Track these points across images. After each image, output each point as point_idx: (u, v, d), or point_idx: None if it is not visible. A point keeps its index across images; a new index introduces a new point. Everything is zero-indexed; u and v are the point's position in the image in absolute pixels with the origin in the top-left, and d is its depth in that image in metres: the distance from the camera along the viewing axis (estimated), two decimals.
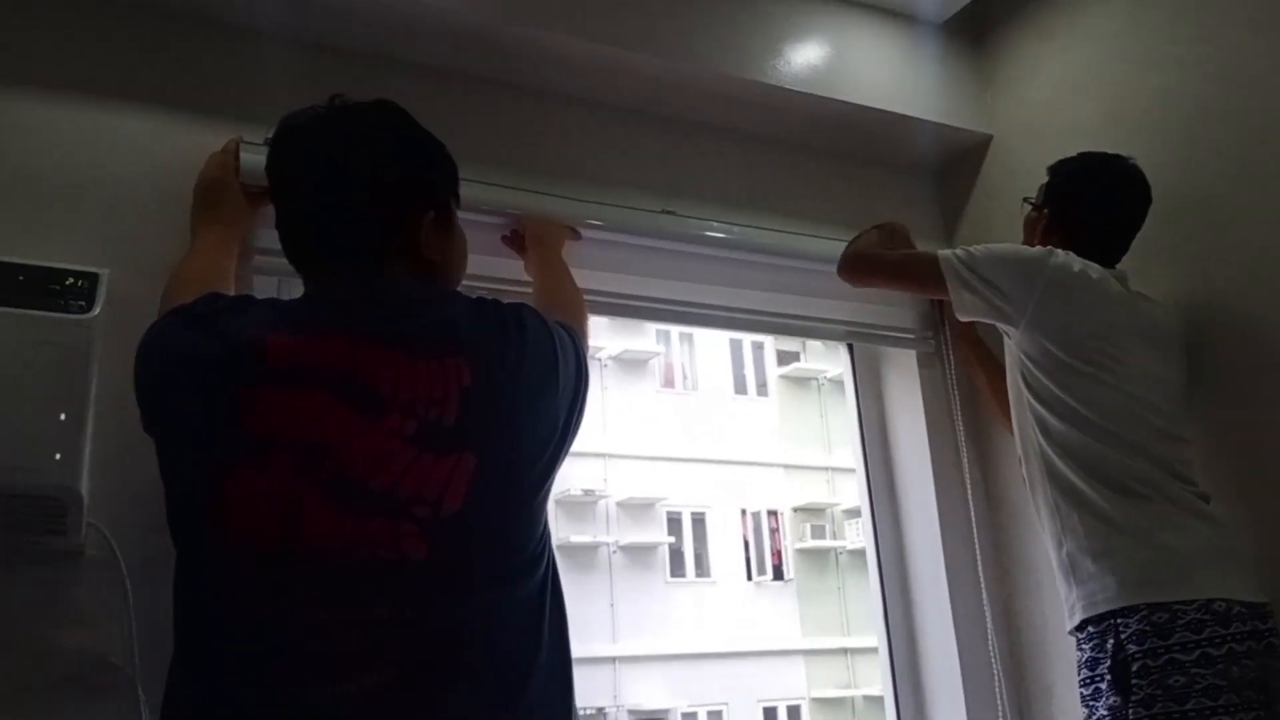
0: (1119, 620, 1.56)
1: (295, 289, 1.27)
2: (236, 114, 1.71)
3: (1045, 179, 1.97)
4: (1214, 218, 1.88)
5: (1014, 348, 1.81)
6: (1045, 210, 1.92)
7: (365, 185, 1.20)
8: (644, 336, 14.97)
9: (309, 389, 1.06)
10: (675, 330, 14.50)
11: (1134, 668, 1.52)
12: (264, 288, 1.66)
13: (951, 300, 1.84)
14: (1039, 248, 1.81)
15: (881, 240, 2.06)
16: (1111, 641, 1.56)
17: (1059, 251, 1.77)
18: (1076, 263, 1.76)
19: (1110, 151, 1.89)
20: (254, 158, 1.59)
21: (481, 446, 1.08)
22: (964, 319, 1.89)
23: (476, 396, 1.10)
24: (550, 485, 1.19)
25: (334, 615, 1.00)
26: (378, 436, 1.05)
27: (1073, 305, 1.74)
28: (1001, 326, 1.84)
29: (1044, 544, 1.79)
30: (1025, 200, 1.99)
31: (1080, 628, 1.65)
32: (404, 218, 1.22)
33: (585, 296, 1.89)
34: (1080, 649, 1.65)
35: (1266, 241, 1.80)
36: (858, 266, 2.03)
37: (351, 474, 1.03)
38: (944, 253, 1.85)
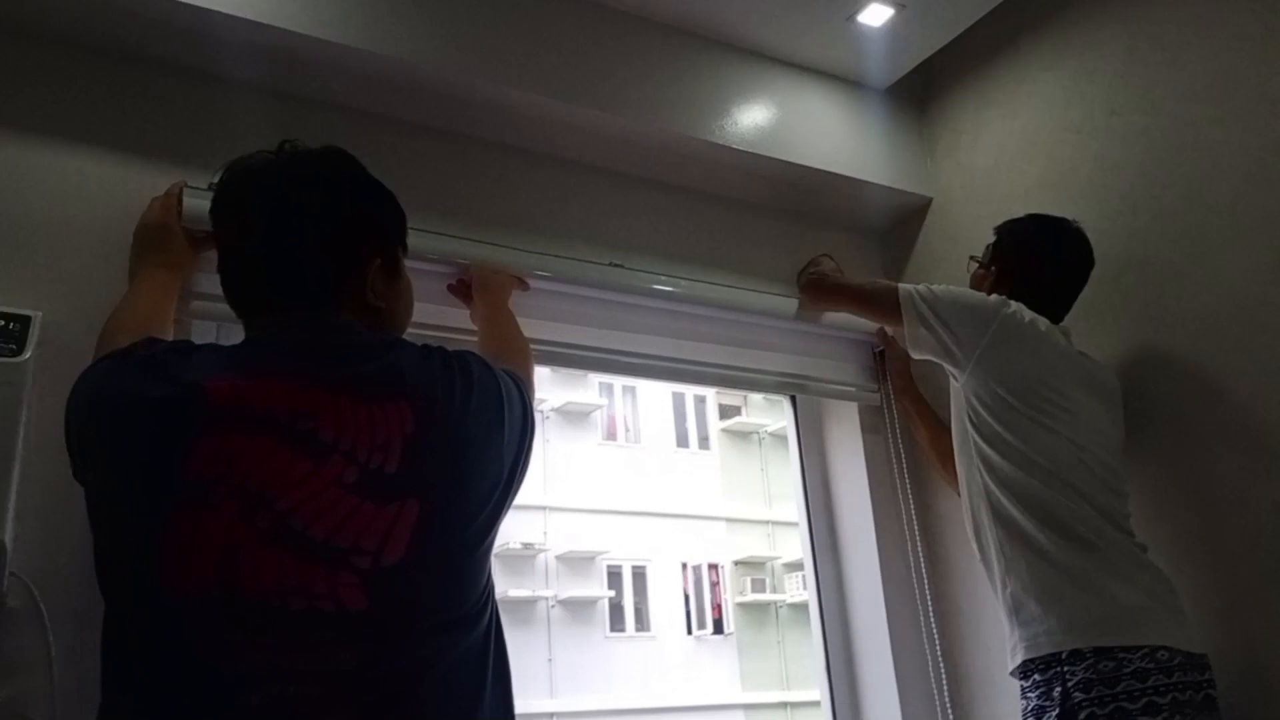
0: (1065, 669, 1.57)
1: (235, 335, 1.25)
2: (181, 158, 1.70)
3: (987, 240, 2.02)
4: (1153, 281, 1.94)
5: (960, 390, 1.84)
6: (992, 268, 1.98)
7: (312, 230, 1.19)
8: (587, 389, 14.97)
9: (251, 433, 1.04)
10: (619, 383, 14.53)
11: (1081, 715, 1.52)
12: (203, 333, 1.63)
13: (905, 334, 1.89)
14: (995, 296, 1.85)
15: (836, 268, 2.18)
16: (1058, 689, 1.56)
17: (1012, 302, 1.82)
18: (1027, 314, 1.81)
19: (1053, 214, 1.95)
20: (198, 202, 1.57)
21: (424, 494, 1.07)
22: (915, 355, 1.92)
23: (420, 444, 1.09)
24: (495, 534, 1.17)
25: (273, 667, 0.97)
26: (318, 484, 1.03)
27: (1022, 352, 1.78)
28: (949, 368, 1.87)
29: (986, 590, 1.80)
30: (972, 258, 2.04)
31: (1025, 673, 1.65)
32: (351, 264, 1.21)
33: (535, 347, 1.90)
34: (1025, 697, 1.65)
35: (1204, 305, 1.85)
36: (823, 287, 2.17)
37: (291, 521, 1.00)
38: (905, 287, 1.90)
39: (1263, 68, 1.82)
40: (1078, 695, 1.54)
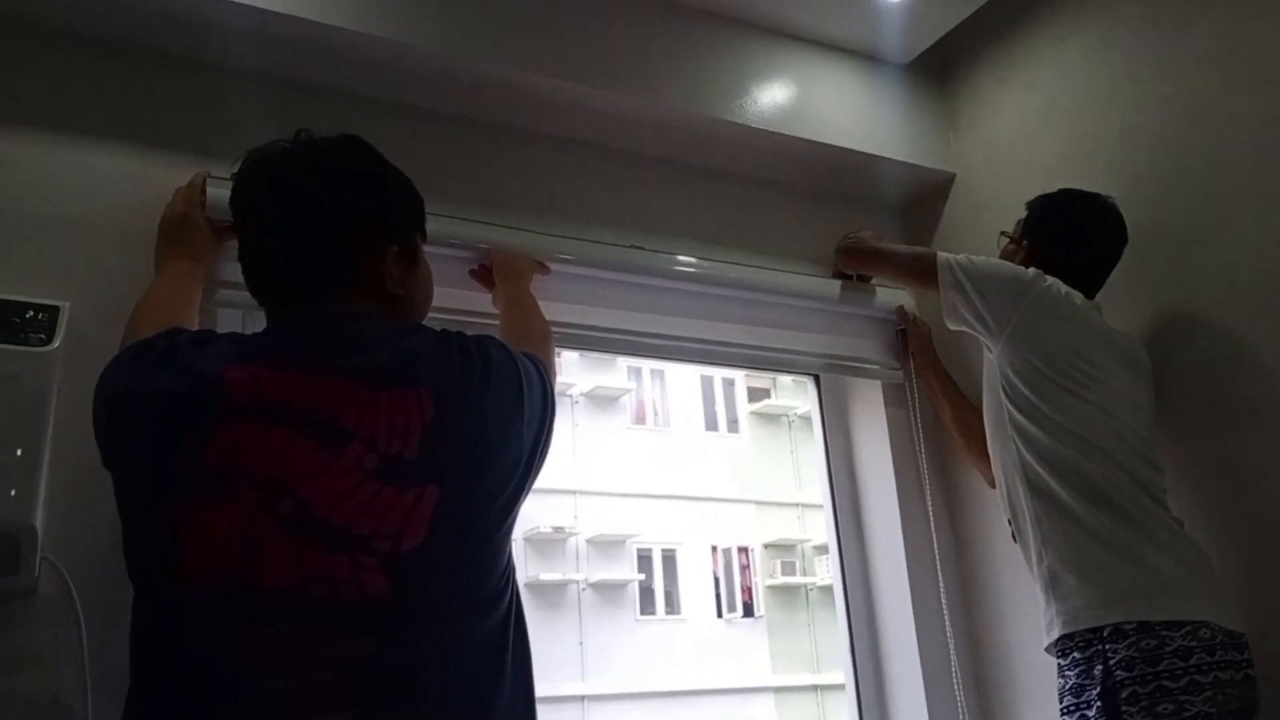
0: (1107, 646, 1.55)
1: (260, 322, 1.26)
2: (203, 149, 1.71)
3: (1012, 214, 2.00)
4: (1178, 251, 1.92)
5: (994, 361, 1.83)
6: (1024, 243, 1.96)
7: (328, 219, 1.19)
8: (615, 373, 14.98)
9: (269, 424, 1.05)
10: (646, 366, 14.52)
11: (1123, 694, 1.51)
12: (228, 321, 1.65)
13: (941, 301, 1.89)
14: (1032, 269, 1.84)
15: (876, 237, 2.20)
16: (1099, 668, 1.54)
17: (1048, 276, 1.81)
18: (1063, 287, 1.80)
19: (1085, 189, 1.92)
20: (220, 192, 1.58)
21: (444, 479, 1.08)
22: (951, 325, 1.91)
23: (439, 429, 1.09)
24: (514, 518, 1.18)
25: (294, 653, 0.99)
26: (338, 471, 1.04)
27: (1057, 324, 1.77)
28: (983, 338, 1.86)
29: (1013, 568, 1.79)
30: (1002, 233, 2.02)
31: (1062, 650, 1.63)
32: (367, 251, 1.22)
33: (555, 330, 1.90)
34: (1063, 675, 1.63)
35: (1230, 274, 1.83)
36: (861, 250, 2.18)
37: (311, 510, 1.02)
38: (944, 255, 1.90)
39: (1274, 31, 1.79)
40: (1120, 674, 1.52)
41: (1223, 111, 1.87)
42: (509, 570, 1.16)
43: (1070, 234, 1.91)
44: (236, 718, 0.98)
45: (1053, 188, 2.15)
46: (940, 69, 2.50)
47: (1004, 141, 2.31)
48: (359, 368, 1.11)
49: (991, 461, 1.86)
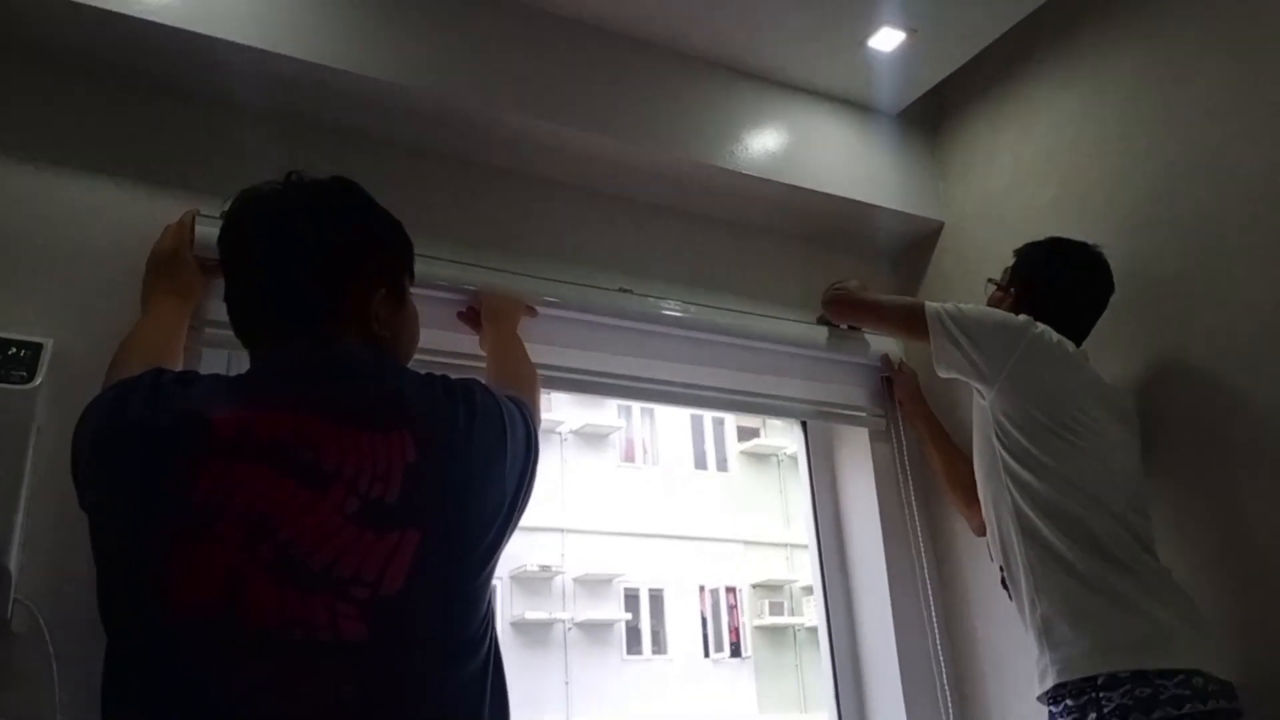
0: (1101, 694, 1.54)
1: (245, 362, 1.26)
2: (193, 185, 1.71)
3: (1001, 263, 2.01)
4: (1170, 299, 1.93)
5: (988, 408, 1.82)
6: (1011, 290, 1.97)
7: (316, 259, 1.20)
8: (605, 411, 14.96)
9: (253, 462, 1.04)
10: (637, 405, 14.50)
11: None
12: (214, 360, 1.65)
13: (933, 351, 1.89)
14: (1022, 316, 1.84)
15: (862, 287, 2.18)
16: (1093, 715, 1.54)
17: (1039, 324, 1.81)
18: (1054, 335, 1.80)
19: (1075, 239, 1.93)
20: (210, 230, 1.58)
21: (425, 523, 1.07)
22: (942, 373, 1.90)
23: (421, 472, 1.09)
24: (495, 562, 1.17)
25: (272, 697, 0.97)
26: (319, 514, 1.03)
27: (1051, 371, 1.77)
28: (976, 385, 1.86)
29: (999, 612, 1.77)
30: (990, 281, 2.03)
31: (1054, 698, 1.62)
32: (353, 293, 1.22)
33: (545, 372, 1.90)
34: None
35: (1221, 322, 1.84)
36: (848, 301, 2.16)
37: (292, 551, 1.01)
38: (932, 305, 1.90)
39: (1274, 83, 1.81)
40: None
41: (1216, 164, 1.88)
42: (489, 615, 1.15)
43: (1058, 281, 1.91)
44: None
45: (1042, 237, 2.17)
46: (931, 118, 2.52)
47: (994, 191, 2.33)
48: (344, 408, 1.10)
49: (983, 507, 1.85)
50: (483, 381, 1.27)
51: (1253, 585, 1.73)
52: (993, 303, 2.00)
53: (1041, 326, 1.81)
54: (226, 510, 1.02)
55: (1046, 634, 1.65)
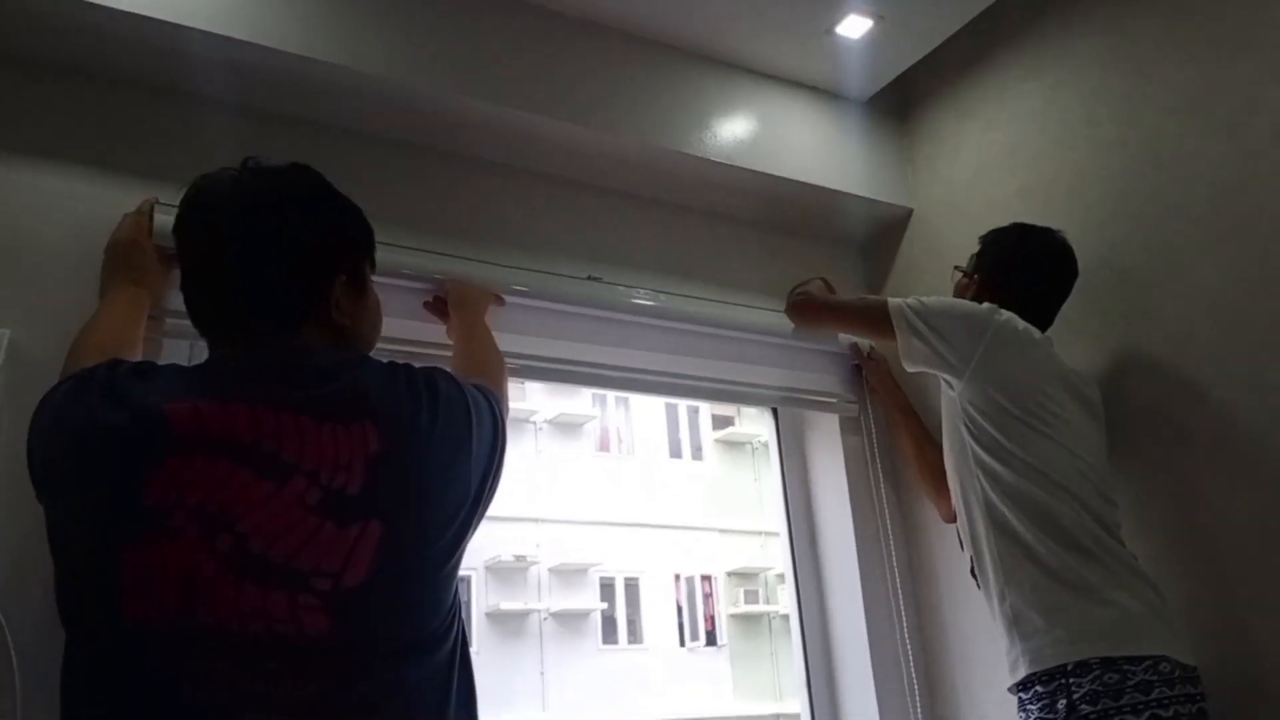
0: (1071, 680, 1.55)
1: (206, 353, 1.24)
2: (153, 174, 1.69)
3: (969, 250, 2.02)
4: (1132, 291, 1.94)
5: (957, 399, 1.82)
6: (976, 277, 1.97)
7: (275, 247, 1.18)
8: (580, 400, 14.93)
9: (211, 457, 1.03)
10: (611, 394, 14.49)
11: None
12: (175, 351, 1.62)
13: (899, 347, 1.87)
14: (986, 304, 1.84)
15: (824, 288, 2.14)
16: (1063, 702, 1.55)
17: (1003, 310, 1.81)
18: (1020, 322, 1.80)
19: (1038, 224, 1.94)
20: (169, 219, 1.56)
21: (388, 515, 1.05)
22: (910, 368, 1.89)
23: (384, 463, 1.07)
24: (461, 553, 1.16)
25: (235, 694, 0.96)
26: (279, 506, 1.02)
27: (1019, 359, 1.77)
28: (944, 377, 1.85)
29: (967, 598, 1.78)
30: (956, 268, 2.03)
31: (1025, 685, 1.63)
32: (313, 281, 1.20)
33: (511, 361, 1.89)
34: (1024, 709, 1.63)
35: (1182, 314, 1.85)
36: (811, 306, 2.11)
37: (251, 545, 1.00)
38: (895, 300, 1.88)
39: (1236, 78, 1.83)
40: (1084, 708, 1.53)
41: (1180, 156, 1.90)
42: (455, 607, 1.14)
43: (1023, 267, 1.92)
44: None
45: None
46: (899, 106, 2.53)
47: (961, 179, 2.33)
48: (304, 400, 1.09)
49: (952, 497, 1.86)
50: (448, 370, 1.26)
51: (1213, 572, 1.76)
52: (958, 289, 2.00)
53: (1006, 314, 1.81)
54: (183, 504, 1.00)
55: (1016, 625, 1.66)
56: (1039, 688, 1.60)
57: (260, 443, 1.04)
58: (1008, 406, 1.74)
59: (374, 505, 1.05)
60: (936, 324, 1.82)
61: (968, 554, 1.82)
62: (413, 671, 1.06)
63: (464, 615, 1.19)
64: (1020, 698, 1.65)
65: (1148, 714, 1.51)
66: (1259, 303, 1.74)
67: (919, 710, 2.20)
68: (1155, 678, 1.52)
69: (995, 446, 1.73)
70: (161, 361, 1.23)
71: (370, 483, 1.06)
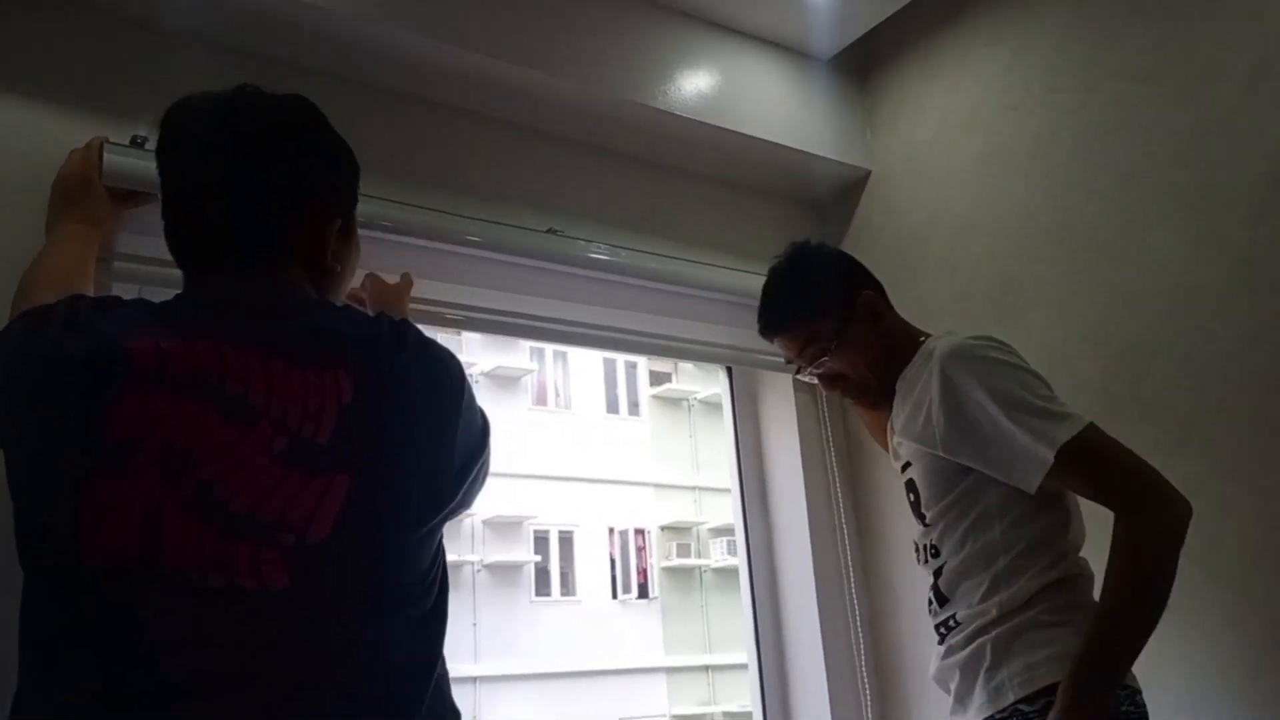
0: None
1: (157, 297, 1.18)
2: (109, 109, 1.61)
3: (929, 214, 1.98)
4: (1086, 258, 1.97)
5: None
6: (843, 335, 1.66)
7: (278, 180, 1.12)
8: (517, 354, 14.89)
9: (175, 396, 0.99)
10: (549, 348, 14.45)
11: None
12: (124, 295, 1.56)
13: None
14: (993, 348, 1.52)
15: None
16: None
17: (995, 341, 1.56)
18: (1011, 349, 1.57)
19: (807, 241, 1.79)
20: (119, 159, 1.50)
21: (356, 468, 1.01)
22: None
23: (356, 414, 1.03)
24: (440, 521, 1.11)
25: (191, 641, 0.94)
26: (244, 453, 0.98)
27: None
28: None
29: (911, 557, 1.71)
30: (798, 372, 1.80)
31: (1012, 710, 1.40)
32: (311, 221, 1.15)
33: (468, 314, 1.86)
34: None
35: (1134, 282, 1.89)
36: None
37: (214, 493, 0.96)
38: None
39: (1196, 47, 1.85)
40: None
41: (1138, 122, 1.92)
42: (435, 575, 1.11)
43: (865, 276, 1.74)
44: (133, 703, 0.93)
45: (968, 191, 2.19)
46: (862, 66, 2.52)
47: (921, 142, 2.34)
48: (277, 341, 1.05)
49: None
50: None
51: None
52: (865, 354, 1.67)
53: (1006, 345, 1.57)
54: (144, 446, 0.97)
55: (1005, 648, 1.43)
56: (1024, 706, 1.39)
57: (226, 385, 1.00)
58: None
59: (342, 458, 1.01)
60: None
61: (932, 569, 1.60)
62: (381, 630, 1.02)
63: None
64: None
65: None
66: (1211, 268, 1.78)
67: (864, 660, 2.25)
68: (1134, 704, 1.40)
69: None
70: None
71: (340, 434, 1.02)
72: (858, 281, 1.72)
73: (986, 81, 2.22)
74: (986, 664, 1.44)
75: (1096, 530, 1.47)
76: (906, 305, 1.78)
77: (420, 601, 1.08)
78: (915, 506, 1.62)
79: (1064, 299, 2.00)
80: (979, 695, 1.45)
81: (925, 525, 1.59)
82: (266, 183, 1.12)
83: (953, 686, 1.51)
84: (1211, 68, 1.82)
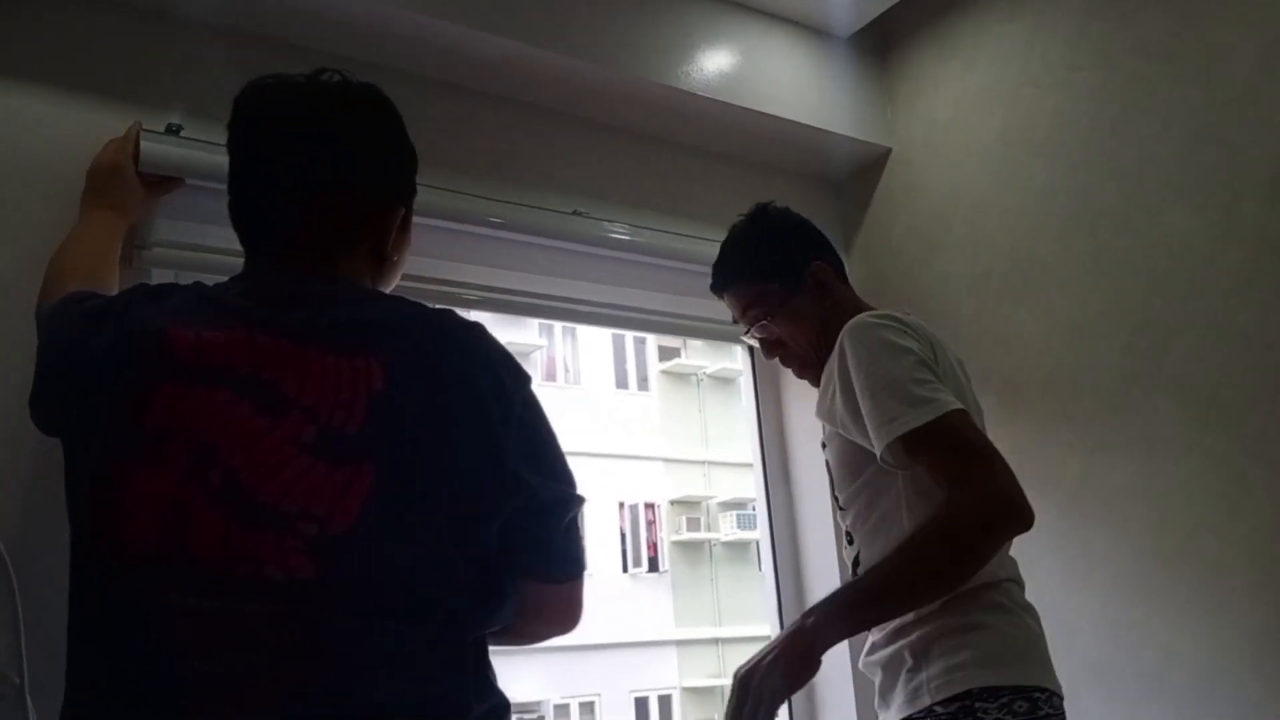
0: (978, 705, 1.33)
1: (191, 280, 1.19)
2: (139, 100, 1.62)
3: (949, 191, 1.98)
4: (1105, 237, 1.98)
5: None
6: (790, 299, 1.64)
7: (361, 164, 1.14)
8: (527, 330, 14.88)
9: (210, 385, 0.99)
10: (558, 324, 14.45)
11: None
12: (162, 280, 1.59)
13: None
14: (905, 340, 1.43)
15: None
16: None
17: (894, 319, 1.48)
18: (926, 332, 1.51)
19: (771, 204, 1.78)
20: (154, 146, 1.53)
21: (381, 459, 0.98)
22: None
23: (386, 404, 1.00)
24: (486, 536, 1.05)
25: (218, 634, 0.93)
26: (272, 443, 0.97)
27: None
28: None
29: None
30: (745, 335, 1.78)
31: (928, 711, 1.37)
32: (382, 212, 1.16)
33: (489, 295, 1.87)
34: None
35: (1153, 261, 1.90)
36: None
37: (242, 481, 0.96)
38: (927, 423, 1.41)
39: (1214, 25, 1.85)
40: None
41: (1155, 101, 1.92)
42: (491, 603, 1.06)
43: (814, 252, 1.68)
44: (161, 693, 0.94)
45: (988, 169, 2.20)
46: (881, 44, 2.52)
47: (941, 120, 2.35)
48: (310, 328, 1.04)
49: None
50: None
51: (1171, 511, 1.83)
52: (803, 317, 1.65)
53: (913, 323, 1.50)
54: (177, 435, 0.97)
55: (924, 651, 1.40)
56: (939, 709, 1.36)
57: (259, 373, 1.00)
58: None
59: (370, 448, 0.98)
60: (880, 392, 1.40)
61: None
62: (403, 638, 0.97)
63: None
64: None
65: None
66: (1230, 246, 1.79)
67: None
68: (1052, 710, 1.36)
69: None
70: None
71: (370, 423, 0.98)
72: (812, 252, 1.67)
73: (1005, 59, 2.22)
74: (908, 666, 1.41)
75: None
76: (926, 282, 1.80)
77: (462, 625, 1.02)
78: (831, 488, 1.59)
79: (1083, 277, 2.01)
80: (899, 694, 1.43)
81: (841, 508, 1.55)
82: (336, 171, 1.12)
83: (877, 682, 1.50)
84: (1227, 47, 1.82)
